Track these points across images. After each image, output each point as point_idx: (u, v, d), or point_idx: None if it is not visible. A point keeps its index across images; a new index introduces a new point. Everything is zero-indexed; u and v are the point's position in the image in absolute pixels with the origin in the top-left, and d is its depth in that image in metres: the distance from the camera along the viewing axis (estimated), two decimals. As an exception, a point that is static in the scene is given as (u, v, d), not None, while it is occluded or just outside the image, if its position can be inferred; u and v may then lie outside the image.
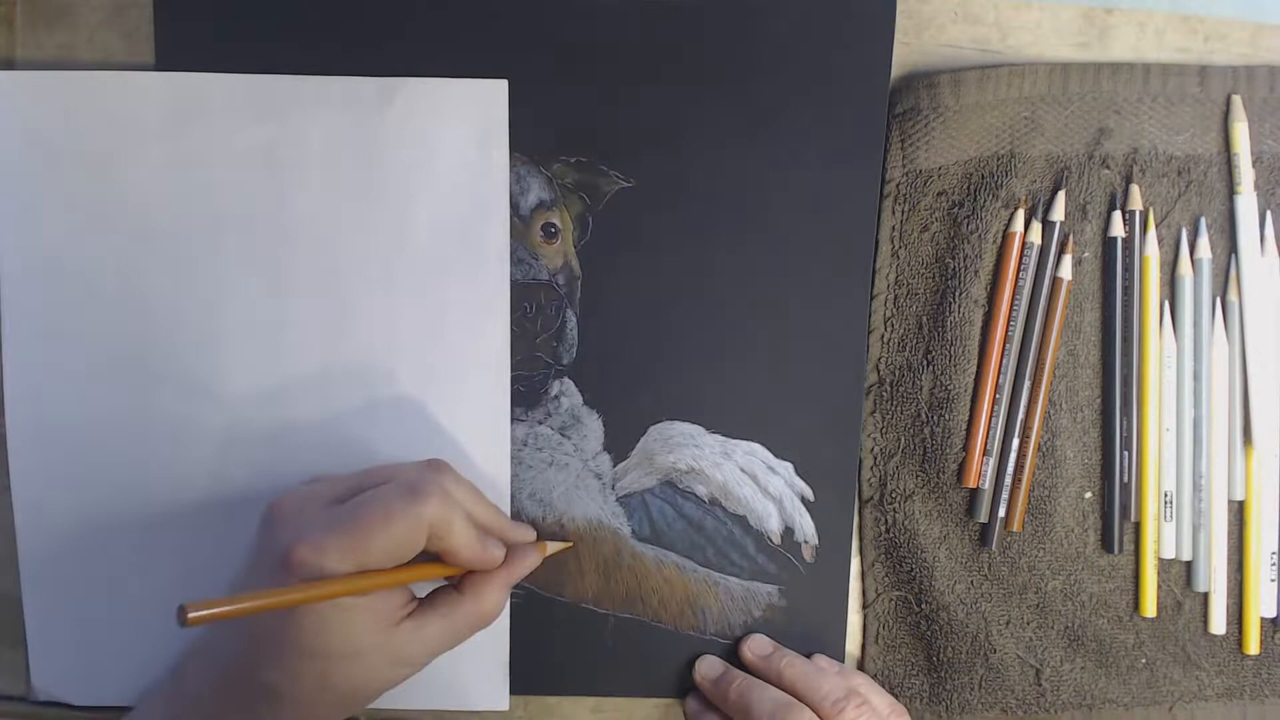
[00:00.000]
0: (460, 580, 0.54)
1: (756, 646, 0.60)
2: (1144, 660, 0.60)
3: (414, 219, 0.59)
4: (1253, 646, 0.60)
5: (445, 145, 0.59)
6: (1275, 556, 0.60)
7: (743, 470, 0.60)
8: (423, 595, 0.55)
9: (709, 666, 0.60)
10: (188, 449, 0.59)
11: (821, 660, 0.60)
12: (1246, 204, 0.59)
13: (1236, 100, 0.58)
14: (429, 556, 0.52)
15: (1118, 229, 0.59)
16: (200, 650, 0.53)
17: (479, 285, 0.59)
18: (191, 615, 0.43)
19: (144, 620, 0.60)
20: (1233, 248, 0.59)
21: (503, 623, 0.60)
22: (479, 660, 0.60)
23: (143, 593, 0.60)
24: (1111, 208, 0.59)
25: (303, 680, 0.50)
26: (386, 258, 0.59)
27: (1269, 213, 0.59)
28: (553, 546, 0.59)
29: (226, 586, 0.54)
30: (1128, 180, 0.59)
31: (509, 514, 0.60)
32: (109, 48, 0.60)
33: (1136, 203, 0.59)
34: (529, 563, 0.56)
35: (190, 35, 0.59)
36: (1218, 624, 0.60)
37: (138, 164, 0.58)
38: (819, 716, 0.55)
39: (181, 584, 0.60)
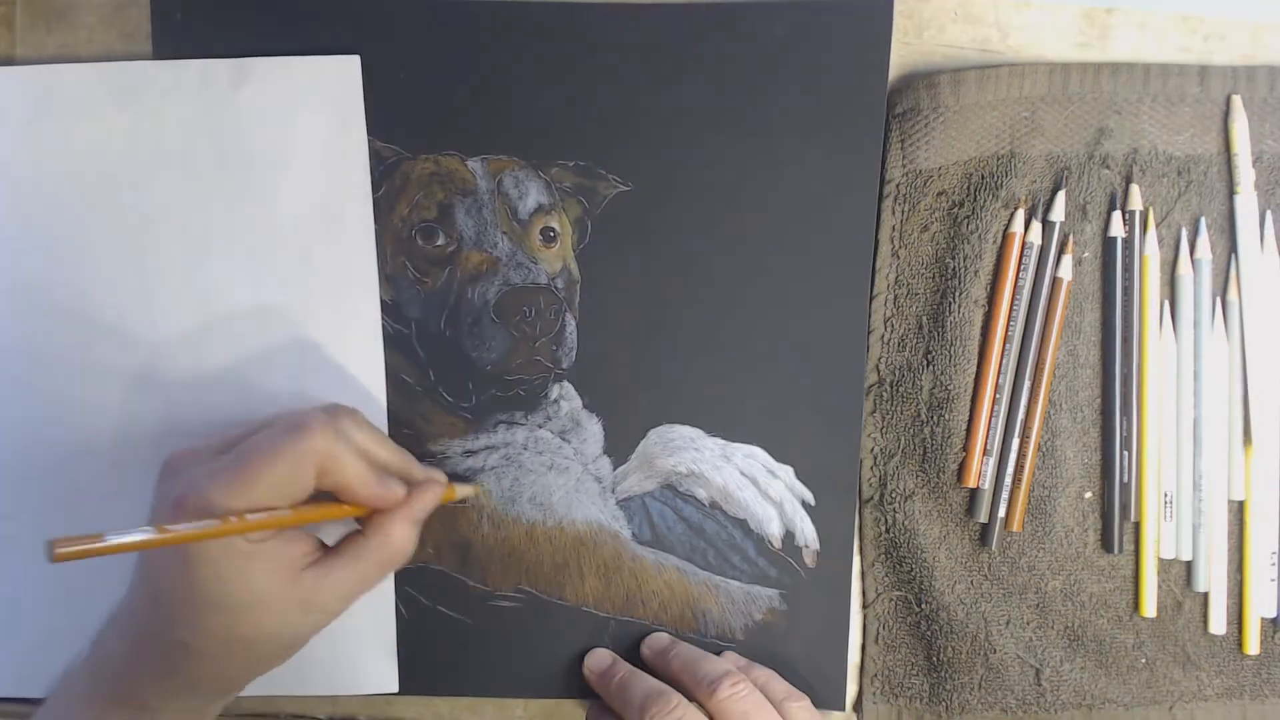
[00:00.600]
0: (364, 521, 0.54)
1: (653, 642, 0.60)
2: (1144, 660, 0.60)
3: (276, 200, 0.59)
4: (1252, 646, 0.60)
5: (301, 124, 0.59)
6: (1275, 556, 0.60)
7: (743, 474, 0.60)
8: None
9: (597, 660, 0.60)
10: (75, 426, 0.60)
11: (725, 653, 0.60)
12: (1246, 204, 0.59)
13: (1236, 100, 0.58)
14: (328, 499, 0.52)
15: (1118, 229, 0.59)
16: (115, 616, 0.52)
17: (346, 266, 0.59)
18: (59, 550, 0.42)
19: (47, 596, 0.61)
20: (1232, 247, 0.59)
21: (388, 606, 0.60)
22: (367, 645, 0.60)
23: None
24: (1111, 208, 0.59)
25: (210, 634, 0.49)
26: (251, 241, 0.59)
27: (1269, 212, 0.59)
28: (461, 489, 0.58)
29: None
30: (1128, 180, 0.59)
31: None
32: (108, 47, 0.60)
33: (1136, 203, 0.58)
34: (430, 497, 0.55)
35: (188, 32, 0.59)
36: (1217, 624, 0.60)
37: (4, 155, 0.59)
38: (698, 701, 0.55)
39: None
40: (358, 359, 0.60)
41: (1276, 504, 0.59)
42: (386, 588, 0.61)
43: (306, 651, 0.53)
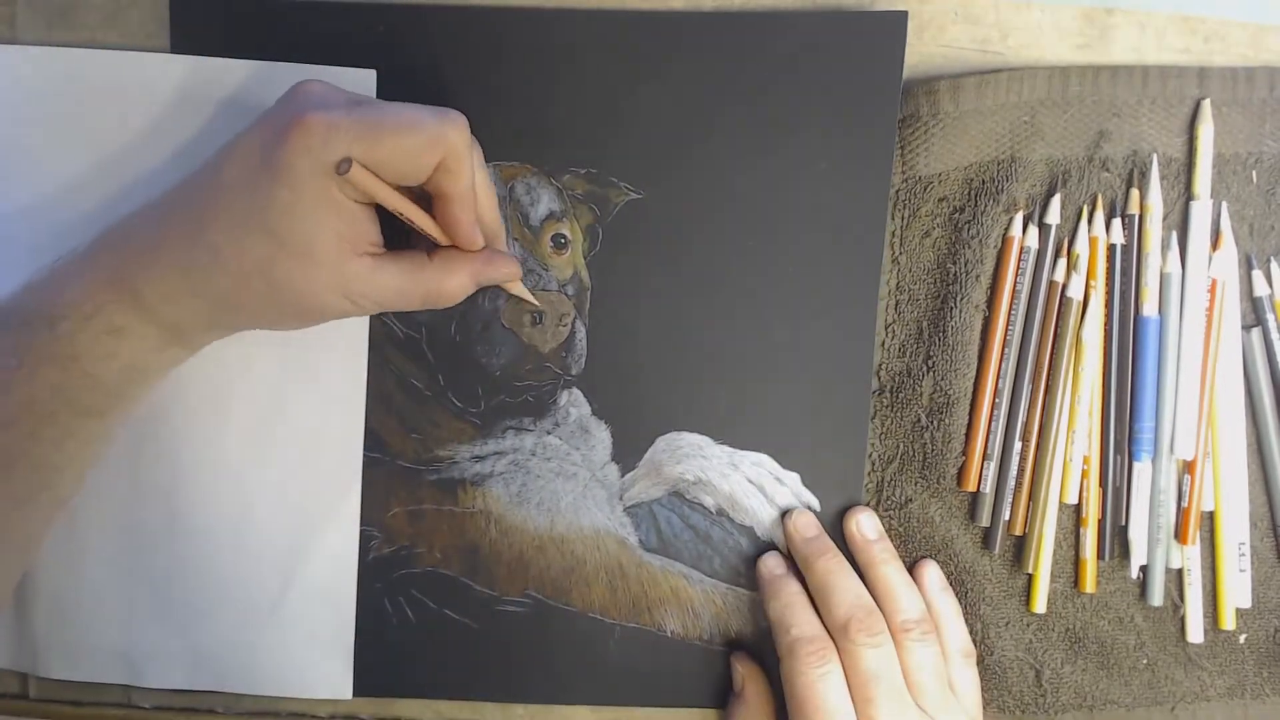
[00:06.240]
0: (433, 250, 0.53)
1: (866, 526, 0.59)
2: (1145, 661, 0.61)
3: None
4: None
5: None
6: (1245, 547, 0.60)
7: (750, 481, 0.60)
8: None
9: (805, 524, 0.59)
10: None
11: (929, 570, 0.60)
12: (1200, 211, 0.59)
13: (1205, 105, 0.58)
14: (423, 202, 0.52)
15: (1117, 234, 0.59)
16: (142, 208, 0.52)
17: None
18: (356, 171, 0.45)
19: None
20: (1182, 256, 0.59)
21: (348, 615, 0.60)
22: (325, 650, 0.61)
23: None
24: (1111, 212, 0.59)
25: (246, 252, 0.49)
26: None
27: (1223, 212, 0.59)
28: (522, 289, 0.58)
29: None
30: (1128, 184, 0.59)
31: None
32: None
33: (1135, 206, 0.59)
34: (502, 269, 0.55)
35: (205, 36, 0.59)
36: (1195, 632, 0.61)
37: (34, 137, 0.59)
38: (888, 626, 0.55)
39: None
40: (342, 362, 0.60)
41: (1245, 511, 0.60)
42: (347, 594, 0.60)
43: (265, 649, 0.57)
